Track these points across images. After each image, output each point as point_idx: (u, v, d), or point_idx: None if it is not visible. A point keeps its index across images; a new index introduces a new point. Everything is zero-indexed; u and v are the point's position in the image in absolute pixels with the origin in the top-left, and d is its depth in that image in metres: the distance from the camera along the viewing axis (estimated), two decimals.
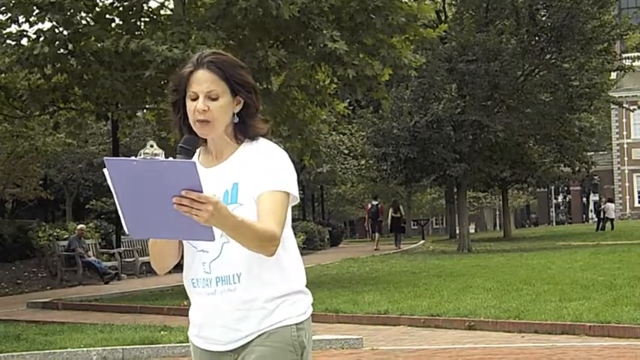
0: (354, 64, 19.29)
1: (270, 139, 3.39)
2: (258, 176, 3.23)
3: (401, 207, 43.99)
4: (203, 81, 3.24)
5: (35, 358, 12.01)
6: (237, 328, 3.28)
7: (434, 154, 34.78)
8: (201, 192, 2.87)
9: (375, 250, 38.82)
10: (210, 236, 2.97)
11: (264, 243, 3.09)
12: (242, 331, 3.28)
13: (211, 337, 3.35)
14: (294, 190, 3.27)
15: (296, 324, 3.31)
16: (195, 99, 3.25)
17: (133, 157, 2.96)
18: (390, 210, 42.90)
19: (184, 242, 3.35)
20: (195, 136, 3.27)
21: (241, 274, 3.25)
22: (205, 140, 3.35)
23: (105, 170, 2.95)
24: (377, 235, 41.23)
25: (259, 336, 3.27)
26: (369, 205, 42.69)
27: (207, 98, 3.23)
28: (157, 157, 3.10)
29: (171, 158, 3.11)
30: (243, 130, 3.34)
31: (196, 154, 3.36)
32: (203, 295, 3.32)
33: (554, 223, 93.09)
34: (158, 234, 3.10)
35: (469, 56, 34.01)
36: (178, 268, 3.43)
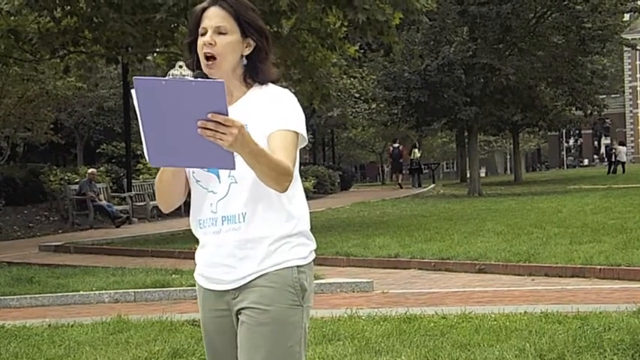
0: (365, 8, 19.16)
1: (281, 85, 3.41)
2: (267, 117, 3.26)
3: (416, 150, 46.48)
4: (213, 16, 3.28)
5: (48, 301, 12.11)
6: (238, 267, 3.31)
7: (445, 98, 34.64)
8: (227, 115, 2.87)
9: (399, 188, 42.46)
10: (232, 164, 2.97)
11: (280, 176, 3.11)
12: (243, 271, 3.31)
13: (214, 277, 3.39)
14: (303, 131, 3.30)
15: (297, 266, 3.34)
16: (205, 34, 3.28)
17: (161, 77, 2.94)
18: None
19: (194, 184, 3.38)
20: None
21: (246, 214, 3.28)
22: None
23: (132, 90, 2.94)
24: (400, 175, 45.66)
25: (260, 276, 3.30)
26: (391, 148, 46.13)
27: (215, 33, 3.27)
28: (185, 78, 3.08)
29: (199, 79, 3.09)
30: (253, 73, 3.37)
31: None
32: (209, 235, 3.36)
33: (565, 167, 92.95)
34: (179, 162, 3.09)
35: None
36: (189, 211, 3.44)
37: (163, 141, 2.96)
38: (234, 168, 3.00)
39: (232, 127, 2.86)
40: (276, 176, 3.10)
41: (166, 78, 2.95)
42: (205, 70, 3.27)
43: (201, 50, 3.28)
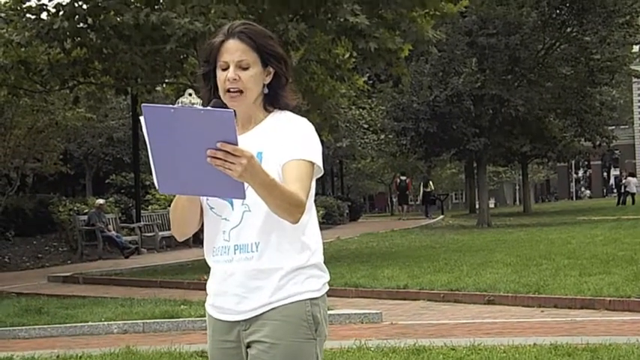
0: (375, 36, 19.21)
1: (298, 113, 3.38)
2: (283, 145, 3.22)
3: (430, 182, 47.95)
4: (234, 50, 3.24)
5: (57, 331, 12.10)
6: (249, 297, 3.26)
7: (454, 129, 34.68)
8: (237, 145, 2.84)
9: (403, 220, 43.07)
10: (242, 193, 2.93)
11: (292, 207, 3.07)
12: (254, 302, 3.26)
13: (224, 307, 3.34)
14: (319, 161, 3.26)
15: (310, 299, 3.29)
16: (226, 69, 3.25)
17: (170, 105, 2.90)
18: (422, 185, 47.53)
19: (208, 211, 3.34)
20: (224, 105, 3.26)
21: (259, 244, 3.24)
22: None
23: (141, 118, 2.90)
24: (405, 207, 47.06)
25: (272, 309, 3.25)
26: (398, 180, 47.32)
27: (238, 68, 3.23)
28: (194, 106, 3.02)
29: (209, 107, 3.06)
30: (273, 100, 3.34)
31: None
32: (221, 263, 3.31)
33: (574, 198, 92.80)
34: (188, 190, 3.04)
35: (489, 30, 33.81)
36: (198, 242, 3.42)
37: (172, 168, 2.93)
38: (244, 198, 2.96)
39: (241, 157, 2.82)
40: (288, 207, 3.06)
41: (175, 106, 2.89)
42: (228, 103, 3.24)
43: (224, 84, 3.24)
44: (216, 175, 2.87)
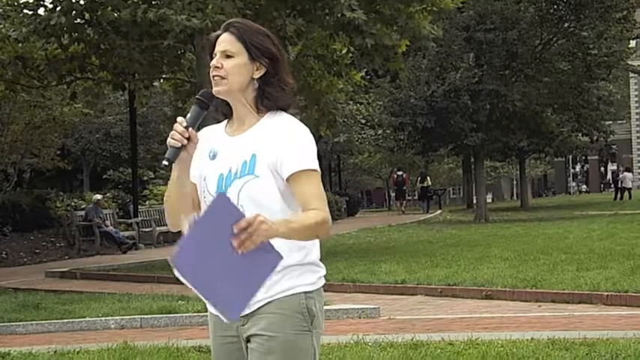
0: (372, 33, 19.20)
1: (293, 113, 3.42)
2: (279, 149, 3.27)
3: (428, 177, 48.37)
4: (222, 42, 3.37)
5: (54, 327, 12.09)
6: None
7: (451, 124, 34.68)
8: (243, 216, 2.93)
9: (402, 213, 44.33)
10: (278, 256, 3.01)
11: (319, 227, 3.21)
12: None
13: None
14: (318, 166, 3.33)
15: (305, 292, 3.34)
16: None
17: (186, 235, 3.04)
18: (419, 180, 48.50)
19: (202, 205, 3.39)
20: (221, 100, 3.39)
21: None
22: (231, 110, 3.42)
23: (174, 270, 2.99)
24: (404, 202, 47.62)
25: (268, 303, 3.30)
26: (395, 176, 47.92)
27: (223, 56, 3.35)
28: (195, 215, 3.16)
29: (205, 207, 3.20)
30: (263, 98, 3.38)
31: (223, 125, 3.46)
32: None
33: (571, 193, 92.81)
34: (247, 293, 3.08)
35: (487, 25, 33.82)
36: None
37: (223, 290, 3.00)
38: (281, 258, 3.04)
39: (256, 221, 2.92)
40: (317, 229, 3.21)
41: (190, 230, 3.04)
42: (214, 88, 3.35)
43: (211, 73, 3.35)
44: (251, 259, 2.95)
